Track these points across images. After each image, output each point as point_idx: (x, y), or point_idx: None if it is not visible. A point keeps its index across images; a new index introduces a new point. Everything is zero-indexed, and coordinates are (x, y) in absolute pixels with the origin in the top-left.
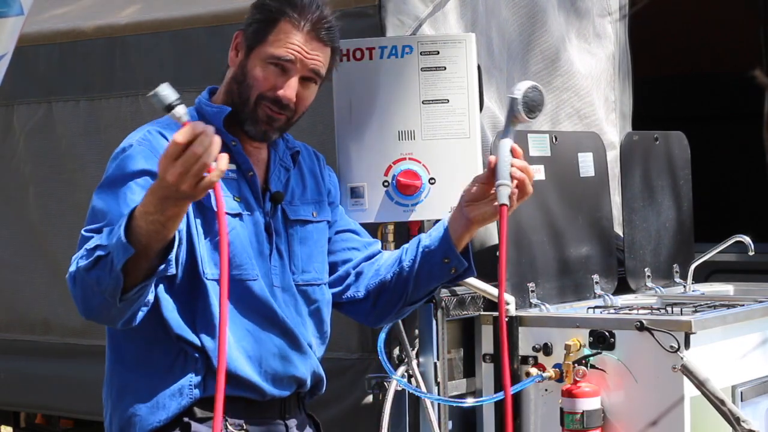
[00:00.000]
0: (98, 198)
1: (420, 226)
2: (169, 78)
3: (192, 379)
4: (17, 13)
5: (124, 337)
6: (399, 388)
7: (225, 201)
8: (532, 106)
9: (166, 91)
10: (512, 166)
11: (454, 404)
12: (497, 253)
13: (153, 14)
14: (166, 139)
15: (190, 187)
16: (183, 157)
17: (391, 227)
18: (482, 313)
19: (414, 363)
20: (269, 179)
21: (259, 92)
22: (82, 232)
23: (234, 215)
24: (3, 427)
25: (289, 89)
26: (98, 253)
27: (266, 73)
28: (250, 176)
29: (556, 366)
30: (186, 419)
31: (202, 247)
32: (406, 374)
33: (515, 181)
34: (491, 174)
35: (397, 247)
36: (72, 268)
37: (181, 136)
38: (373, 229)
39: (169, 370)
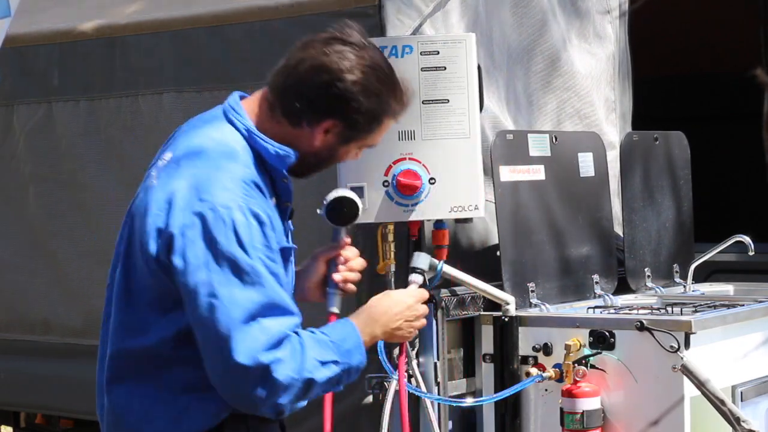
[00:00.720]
0: (244, 289)
1: (420, 226)
2: (169, 78)
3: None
4: (4, 14)
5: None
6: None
7: (283, 239)
8: (335, 217)
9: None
10: (339, 268)
11: (454, 404)
12: (497, 253)
13: (153, 14)
14: (261, 191)
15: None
16: (418, 322)
17: (391, 227)
18: (482, 313)
19: (414, 363)
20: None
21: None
22: (260, 324)
23: (290, 248)
24: (3, 427)
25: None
26: (336, 371)
27: (355, 153)
28: (286, 206)
29: (556, 366)
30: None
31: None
32: (406, 374)
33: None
34: (325, 269)
35: (397, 247)
36: (292, 372)
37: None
38: (373, 229)
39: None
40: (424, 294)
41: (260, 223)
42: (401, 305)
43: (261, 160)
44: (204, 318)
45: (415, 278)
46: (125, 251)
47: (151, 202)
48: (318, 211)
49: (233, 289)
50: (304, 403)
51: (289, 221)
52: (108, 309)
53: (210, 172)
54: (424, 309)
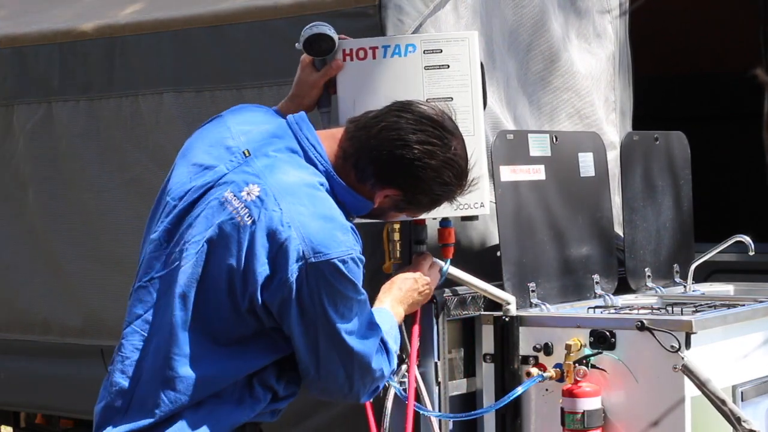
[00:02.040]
0: (362, 341)
1: (424, 225)
2: (169, 78)
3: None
4: None
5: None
6: (401, 387)
7: None
8: (314, 50)
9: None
10: None
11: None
12: (498, 253)
13: (153, 14)
14: (356, 233)
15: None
16: (429, 288)
17: (396, 226)
18: (483, 312)
19: (404, 367)
20: None
21: None
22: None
23: None
24: (3, 427)
25: None
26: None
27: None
28: None
29: (557, 366)
30: None
31: None
32: (406, 374)
33: None
34: None
35: (402, 247)
36: (391, 364)
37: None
38: (378, 228)
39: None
40: (428, 260)
41: (363, 264)
42: (411, 282)
43: (336, 198)
44: (333, 363)
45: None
46: (200, 281)
47: (256, 247)
48: (296, 45)
49: (353, 329)
50: None
51: None
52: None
53: (320, 223)
54: (435, 275)
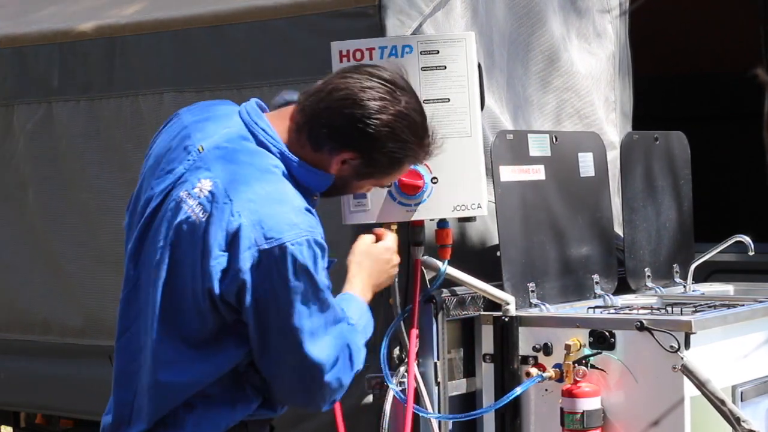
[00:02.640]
0: (312, 317)
1: (422, 225)
2: (169, 78)
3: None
4: None
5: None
6: (400, 388)
7: None
8: None
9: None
10: None
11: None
12: (497, 253)
13: (153, 14)
14: (314, 214)
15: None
16: (395, 269)
17: (394, 228)
18: (482, 313)
19: (402, 368)
20: None
21: None
22: (329, 343)
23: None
24: (3, 427)
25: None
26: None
27: (366, 189)
28: None
29: (557, 366)
30: None
31: None
32: (406, 374)
33: None
34: None
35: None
36: (360, 364)
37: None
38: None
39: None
40: (395, 243)
41: (322, 250)
42: (382, 263)
43: (295, 182)
44: (280, 355)
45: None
46: (169, 278)
47: (210, 242)
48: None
49: (304, 322)
50: None
51: None
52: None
53: (271, 207)
54: (397, 258)
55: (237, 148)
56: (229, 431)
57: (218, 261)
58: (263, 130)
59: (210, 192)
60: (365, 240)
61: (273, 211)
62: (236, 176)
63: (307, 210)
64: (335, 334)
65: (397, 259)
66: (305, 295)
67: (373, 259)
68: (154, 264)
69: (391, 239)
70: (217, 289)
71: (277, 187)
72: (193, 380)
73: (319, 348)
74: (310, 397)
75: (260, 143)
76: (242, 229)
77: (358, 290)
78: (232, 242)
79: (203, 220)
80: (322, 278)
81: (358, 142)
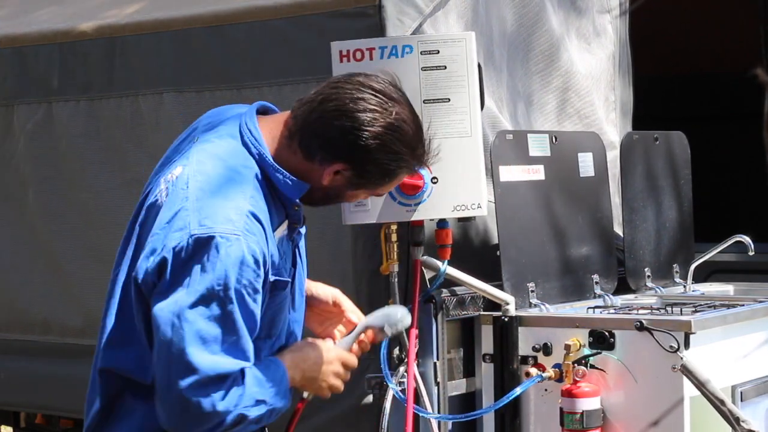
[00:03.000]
0: (209, 322)
1: (422, 225)
2: (169, 78)
3: None
4: None
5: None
6: (399, 389)
7: (287, 273)
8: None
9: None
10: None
11: (450, 420)
12: (497, 253)
13: (153, 14)
14: (263, 226)
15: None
16: (336, 382)
17: (394, 227)
18: (482, 313)
19: (402, 369)
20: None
21: None
22: (212, 357)
23: (287, 283)
24: (3, 427)
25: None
26: (264, 410)
27: (362, 197)
28: (295, 226)
29: (556, 366)
30: None
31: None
32: (406, 374)
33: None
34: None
35: (400, 247)
36: (231, 405)
37: (354, 362)
38: (376, 229)
39: None
40: (354, 361)
41: (255, 261)
42: (328, 364)
43: (273, 186)
44: (163, 338)
45: (364, 334)
46: (132, 256)
47: (156, 221)
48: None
49: (199, 319)
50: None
51: (301, 233)
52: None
53: (217, 200)
54: (346, 375)
55: (220, 143)
56: None
57: (153, 239)
58: (249, 131)
59: (177, 177)
60: (324, 349)
61: (217, 204)
62: (203, 168)
63: (253, 216)
64: (228, 362)
65: (335, 381)
66: (214, 296)
67: (317, 356)
68: (123, 239)
69: (347, 354)
70: (143, 266)
71: (235, 185)
72: (130, 370)
73: (203, 356)
74: (170, 404)
75: (244, 143)
76: (182, 211)
77: (289, 366)
78: (170, 222)
79: (163, 201)
80: (241, 290)
81: (350, 154)
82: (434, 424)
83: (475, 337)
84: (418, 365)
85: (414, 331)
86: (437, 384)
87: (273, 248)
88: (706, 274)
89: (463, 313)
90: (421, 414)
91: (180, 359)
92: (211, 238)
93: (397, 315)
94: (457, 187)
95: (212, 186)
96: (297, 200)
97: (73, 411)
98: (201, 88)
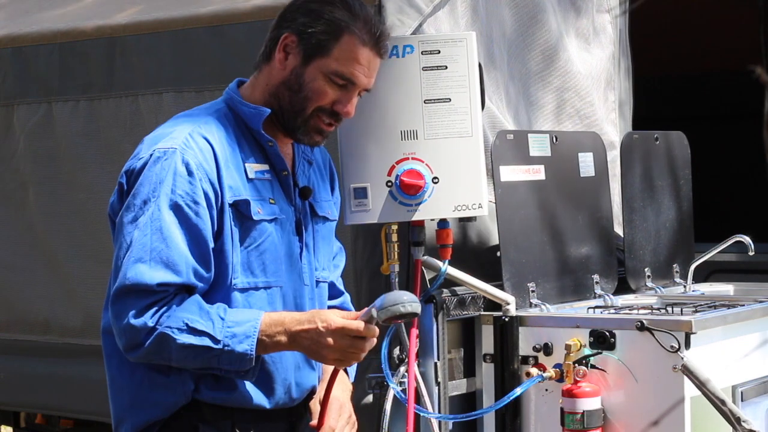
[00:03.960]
0: (138, 230)
1: (422, 225)
2: (169, 78)
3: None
4: None
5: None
6: (399, 388)
7: (262, 206)
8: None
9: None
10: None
11: (450, 420)
12: (497, 253)
13: (153, 14)
14: (210, 144)
15: (334, 363)
16: (351, 350)
17: (394, 227)
18: (482, 313)
19: (403, 369)
20: (296, 174)
21: (317, 105)
22: (138, 267)
23: (270, 220)
24: (3, 427)
25: (351, 107)
26: (207, 343)
27: (328, 88)
28: (284, 175)
29: (557, 366)
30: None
31: (236, 255)
32: (406, 374)
33: None
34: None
35: (401, 247)
36: (149, 321)
37: (363, 331)
38: (377, 229)
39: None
40: (354, 326)
41: (188, 172)
42: (317, 323)
43: (247, 127)
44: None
45: (367, 315)
46: None
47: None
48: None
49: (135, 230)
50: (158, 358)
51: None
52: None
53: (166, 130)
54: (357, 344)
55: (200, 107)
56: (178, 410)
57: (121, 180)
58: (229, 88)
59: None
60: (341, 320)
61: (166, 133)
62: (173, 119)
63: (199, 134)
64: (150, 273)
65: (330, 351)
66: (149, 206)
67: (303, 317)
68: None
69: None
70: (109, 206)
71: (189, 119)
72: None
73: (130, 265)
74: (109, 314)
75: (223, 100)
76: (140, 143)
77: (268, 317)
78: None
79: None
80: (175, 200)
81: (294, 22)
82: (435, 424)
83: (476, 337)
84: (418, 365)
85: (414, 331)
86: (438, 384)
87: (230, 172)
88: (706, 274)
89: (463, 313)
90: (421, 414)
91: (116, 267)
92: (152, 155)
93: (387, 299)
94: (457, 187)
95: (167, 124)
96: (267, 136)
97: (73, 411)
98: (201, 88)
